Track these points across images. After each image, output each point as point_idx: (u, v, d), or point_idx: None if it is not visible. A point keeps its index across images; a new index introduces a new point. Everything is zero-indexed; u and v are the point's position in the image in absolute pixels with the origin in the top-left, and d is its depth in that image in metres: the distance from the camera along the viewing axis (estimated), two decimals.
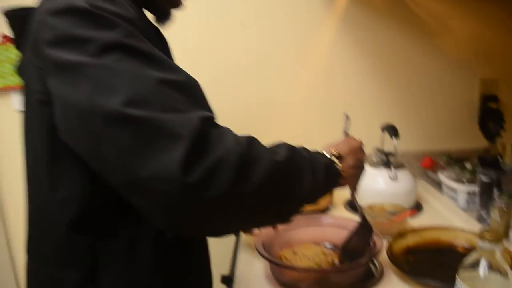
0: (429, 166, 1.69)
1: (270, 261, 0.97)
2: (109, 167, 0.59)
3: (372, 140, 1.67)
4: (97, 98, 0.57)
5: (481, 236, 0.73)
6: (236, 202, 0.61)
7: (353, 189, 0.91)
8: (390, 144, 1.46)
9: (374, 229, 1.01)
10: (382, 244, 0.98)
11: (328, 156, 0.80)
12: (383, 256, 0.99)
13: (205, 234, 0.76)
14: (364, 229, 1.01)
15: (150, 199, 0.58)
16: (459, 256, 1.08)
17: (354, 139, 0.91)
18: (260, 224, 0.76)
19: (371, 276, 1.00)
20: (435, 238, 1.14)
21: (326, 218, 1.18)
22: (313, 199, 0.76)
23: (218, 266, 1.17)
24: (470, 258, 0.76)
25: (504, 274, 0.72)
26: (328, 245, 1.12)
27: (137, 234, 0.74)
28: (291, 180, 0.68)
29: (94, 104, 0.57)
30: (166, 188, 0.55)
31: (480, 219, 1.33)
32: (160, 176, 0.55)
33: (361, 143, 0.90)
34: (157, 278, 0.77)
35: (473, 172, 1.45)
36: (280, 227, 1.08)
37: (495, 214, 1.21)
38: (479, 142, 1.75)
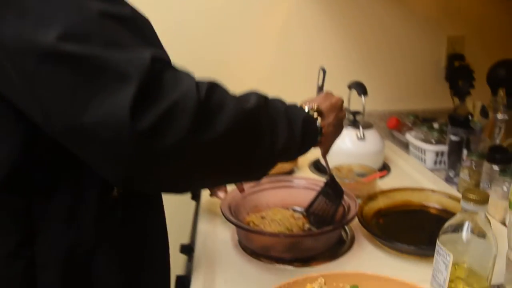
0: (395, 126, 1.64)
1: (239, 227, 0.89)
2: (47, 114, 0.52)
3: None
4: (28, 31, 0.49)
5: (465, 197, 0.67)
6: (194, 153, 0.54)
7: (326, 149, 0.84)
8: (356, 103, 1.39)
9: (345, 192, 0.95)
10: (357, 207, 0.92)
11: (308, 110, 0.73)
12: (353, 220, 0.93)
13: (160, 189, 0.67)
14: (333, 191, 0.94)
15: (95, 148, 0.51)
16: (431, 217, 1.04)
17: (334, 95, 0.83)
18: (224, 180, 0.69)
19: (341, 242, 0.95)
20: (406, 200, 1.09)
21: (295, 180, 1.10)
22: (287, 157, 0.70)
23: (177, 234, 1.09)
24: (451, 221, 0.71)
25: (487, 237, 0.67)
26: (298, 208, 1.05)
27: (78, 194, 0.65)
28: (261, 132, 0.61)
29: (25, 39, 0.49)
30: (112, 136, 0.49)
31: (448, 180, 1.30)
32: (106, 121, 0.48)
33: (341, 100, 0.83)
34: (101, 244, 0.68)
35: (441, 132, 1.41)
36: (247, 190, 1.00)
37: (464, 174, 1.18)
38: (446, 102, 1.72)
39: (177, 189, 0.65)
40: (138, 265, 0.75)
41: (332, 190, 0.95)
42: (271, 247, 0.89)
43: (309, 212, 0.96)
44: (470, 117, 1.21)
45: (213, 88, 0.56)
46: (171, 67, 0.55)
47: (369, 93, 1.35)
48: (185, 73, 0.56)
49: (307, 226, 0.95)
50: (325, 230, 0.86)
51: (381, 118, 1.72)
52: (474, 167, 1.16)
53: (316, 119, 0.74)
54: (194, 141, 0.53)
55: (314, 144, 0.75)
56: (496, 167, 1.08)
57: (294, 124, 0.67)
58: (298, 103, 0.76)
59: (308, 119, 0.72)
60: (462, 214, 0.69)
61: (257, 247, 0.90)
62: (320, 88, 0.90)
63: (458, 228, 0.69)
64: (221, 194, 0.97)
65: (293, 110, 0.70)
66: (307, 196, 0.99)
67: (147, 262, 0.78)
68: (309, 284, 0.67)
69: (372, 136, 1.34)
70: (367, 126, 1.35)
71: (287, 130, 0.65)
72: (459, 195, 1.13)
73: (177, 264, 1.04)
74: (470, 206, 0.67)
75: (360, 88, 1.33)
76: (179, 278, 0.90)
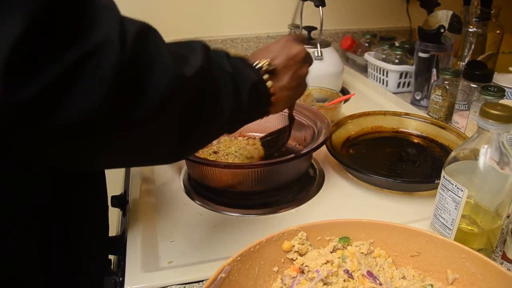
0: (349, 47, 1.47)
1: (201, 163, 0.69)
2: None
3: (286, 15, 1.42)
4: None
5: (486, 113, 0.51)
6: (107, 134, 0.36)
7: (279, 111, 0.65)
8: (308, 19, 1.20)
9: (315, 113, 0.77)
10: (330, 128, 0.75)
11: (257, 69, 0.55)
12: (320, 151, 0.76)
13: (62, 166, 0.44)
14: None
15: None
16: (408, 144, 0.90)
17: (294, 43, 0.61)
18: (149, 162, 0.50)
19: (310, 179, 0.78)
20: (377, 125, 0.94)
21: None
22: (228, 131, 0.54)
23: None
24: (463, 146, 0.55)
25: (510, 165, 0.52)
26: (251, 134, 0.87)
27: None
28: (202, 106, 0.44)
29: None
30: None
31: (415, 102, 1.16)
32: None
33: (303, 51, 0.61)
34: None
35: (404, 50, 1.26)
36: None
37: (436, 95, 1.04)
38: (402, 20, 1.57)
39: (85, 169, 0.50)
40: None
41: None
42: (237, 183, 0.70)
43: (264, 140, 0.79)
44: (442, 30, 1.06)
45: (144, 36, 0.37)
46: None
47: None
48: (105, 4, 0.35)
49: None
50: (293, 156, 0.68)
51: (333, 38, 1.54)
52: (447, 87, 1.02)
53: (265, 82, 0.55)
54: (109, 118, 0.34)
55: (262, 114, 0.58)
56: (474, 85, 0.94)
57: (242, 90, 0.50)
58: (247, 57, 0.57)
59: (257, 84, 0.53)
60: (479, 136, 0.53)
61: (220, 185, 0.72)
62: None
63: (472, 155, 0.53)
64: None
65: (241, 71, 0.51)
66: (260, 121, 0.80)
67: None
68: (286, 241, 0.50)
69: (330, 55, 1.16)
70: (325, 44, 1.17)
71: (233, 100, 0.48)
72: (437, 119, 1.01)
73: (110, 221, 0.84)
74: (491, 124, 0.51)
75: None
76: (111, 241, 0.69)
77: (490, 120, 0.51)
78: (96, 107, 0.32)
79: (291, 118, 0.73)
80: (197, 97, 0.43)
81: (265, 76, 0.55)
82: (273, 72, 0.56)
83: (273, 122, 0.86)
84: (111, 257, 0.76)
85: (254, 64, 0.55)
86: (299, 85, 0.61)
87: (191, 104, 0.42)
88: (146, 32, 0.38)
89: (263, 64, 0.55)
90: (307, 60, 0.62)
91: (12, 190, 0.47)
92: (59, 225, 0.54)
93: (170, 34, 1.48)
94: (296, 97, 0.63)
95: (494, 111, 0.50)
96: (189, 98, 0.42)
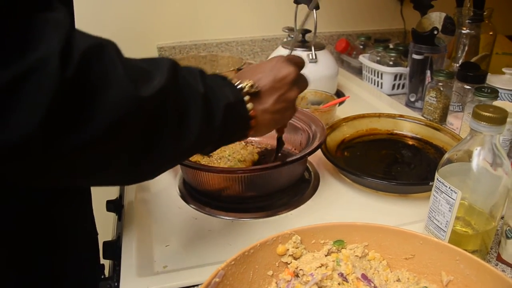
0: (344, 49, 1.47)
1: (194, 168, 0.68)
2: None
3: (280, 18, 1.42)
4: None
5: (478, 115, 0.51)
6: (60, 156, 0.34)
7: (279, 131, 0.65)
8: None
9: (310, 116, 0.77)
10: (325, 131, 0.75)
11: (238, 89, 0.52)
12: (315, 154, 0.75)
13: (21, 184, 0.43)
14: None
15: None
16: (403, 146, 0.90)
17: (286, 63, 0.57)
18: (109, 182, 0.45)
19: (305, 181, 0.78)
20: (371, 127, 0.94)
21: None
22: (200, 151, 0.51)
23: (101, 190, 0.87)
24: (456, 148, 0.55)
25: (503, 167, 0.52)
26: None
27: None
28: (162, 127, 0.41)
29: None
30: None
31: (409, 104, 1.17)
32: None
33: (294, 72, 0.57)
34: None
35: (398, 52, 1.26)
36: None
37: (430, 97, 1.05)
38: (397, 23, 1.58)
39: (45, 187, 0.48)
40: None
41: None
42: (227, 187, 0.70)
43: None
44: (436, 31, 1.06)
45: (95, 54, 0.34)
46: (26, 3, 0.31)
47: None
48: (49, 20, 0.32)
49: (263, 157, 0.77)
50: (288, 161, 0.68)
51: (328, 41, 1.54)
52: (441, 89, 1.02)
53: (245, 103, 0.52)
54: (46, 144, 0.32)
55: (240, 137, 0.55)
56: (468, 87, 0.95)
57: (214, 111, 0.47)
58: (230, 77, 0.54)
59: (234, 105, 0.50)
60: (472, 138, 0.53)
61: (211, 189, 0.72)
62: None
63: (465, 156, 0.54)
64: None
65: (216, 90, 0.48)
66: None
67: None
68: (281, 245, 0.50)
69: (325, 57, 1.16)
70: (319, 47, 1.17)
71: (203, 121, 0.45)
72: (431, 121, 1.01)
73: (104, 226, 0.84)
74: (484, 126, 0.51)
75: (310, 2, 1.12)
76: (106, 245, 0.69)
77: (482, 122, 0.51)
78: (36, 127, 0.30)
79: (279, 141, 0.71)
80: (157, 119, 0.40)
81: (246, 98, 0.52)
82: (256, 94, 0.53)
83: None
84: (106, 261, 0.76)
85: (236, 84, 0.52)
86: (285, 109, 0.57)
87: (149, 126, 0.40)
88: (99, 49, 0.35)
89: (246, 85, 0.52)
90: (298, 82, 0.59)
91: None
92: (42, 230, 0.54)
93: (164, 37, 1.48)
94: (282, 121, 0.59)
95: (486, 113, 0.50)
96: (146, 120, 0.39)
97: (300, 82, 0.60)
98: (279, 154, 0.73)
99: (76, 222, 0.62)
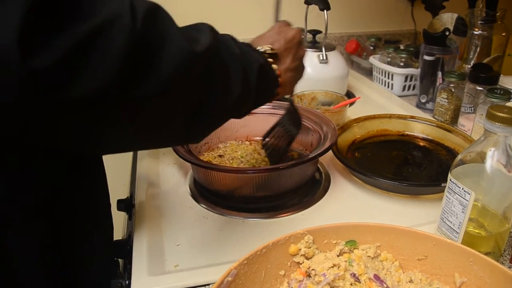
0: (354, 50, 1.47)
1: (206, 167, 0.69)
2: None
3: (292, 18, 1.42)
4: None
5: (492, 115, 0.51)
6: (119, 108, 0.36)
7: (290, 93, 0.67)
8: (313, 23, 1.20)
9: (321, 117, 0.77)
10: (336, 133, 0.75)
11: (261, 53, 0.56)
12: (326, 155, 0.75)
13: (71, 148, 0.45)
14: (292, 120, 0.76)
15: None
16: (414, 147, 0.89)
17: (288, 27, 0.64)
18: (158, 143, 0.50)
19: (315, 182, 0.78)
20: (382, 128, 0.94)
21: None
22: (238, 113, 0.54)
23: (113, 189, 0.88)
24: (469, 149, 0.55)
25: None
26: (258, 139, 0.87)
27: None
28: (212, 84, 0.45)
29: None
30: None
31: (420, 106, 1.16)
32: None
33: (299, 33, 0.63)
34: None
35: (409, 53, 1.25)
36: None
37: (441, 98, 1.04)
38: (407, 24, 1.57)
39: (96, 151, 0.51)
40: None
41: (291, 118, 0.77)
42: (239, 187, 0.70)
43: (266, 145, 0.77)
44: (447, 32, 1.05)
45: (154, 13, 0.38)
46: None
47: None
48: None
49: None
50: (300, 161, 0.68)
51: (338, 42, 1.54)
52: (452, 90, 1.02)
53: (271, 65, 0.57)
54: (121, 91, 0.35)
55: (271, 96, 0.59)
56: (480, 88, 0.94)
57: (250, 72, 0.51)
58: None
59: (264, 66, 0.54)
60: (486, 139, 0.53)
61: (222, 189, 0.72)
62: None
63: (479, 157, 0.53)
64: None
65: (249, 54, 0.52)
66: (266, 124, 0.79)
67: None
68: (293, 245, 0.50)
69: (335, 58, 1.16)
70: (330, 47, 1.16)
71: (242, 81, 0.49)
72: (442, 122, 1.01)
73: (115, 225, 0.84)
74: (498, 127, 0.51)
75: (321, 2, 1.12)
76: (117, 244, 0.69)
77: (497, 123, 0.51)
78: (109, 79, 0.33)
79: (291, 104, 0.74)
80: (207, 75, 0.43)
81: (270, 60, 0.57)
82: (275, 56, 0.58)
83: None
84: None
85: (258, 49, 0.56)
86: (300, 66, 0.64)
87: (202, 82, 0.43)
88: (156, 10, 0.39)
89: (266, 49, 0.57)
90: (302, 41, 0.64)
91: (11, 188, 0.48)
92: (59, 225, 0.54)
93: None
94: (298, 78, 0.65)
95: (501, 114, 0.50)
96: (200, 75, 0.42)
97: (303, 41, 0.65)
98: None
99: (93, 216, 0.62)
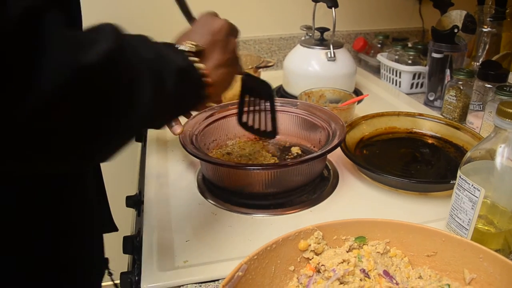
0: (362, 48, 1.47)
1: (215, 164, 0.69)
2: None
3: (298, 16, 1.42)
4: None
5: (502, 112, 0.51)
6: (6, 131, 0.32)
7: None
8: (321, 20, 1.20)
9: (329, 114, 0.77)
10: (345, 129, 0.75)
11: (184, 52, 0.51)
12: (334, 152, 0.75)
13: None
14: (258, 88, 0.72)
15: None
16: (423, 145, 0.89)
17: (214, 17, 0.58)
18: (53, 165, 0.41)
19: (324, 179, 0.78)
20: (390, 126, 0.94)
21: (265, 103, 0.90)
22: (153, 124, 0.49)
23: (123, 186, 0.89)
24: (479, 146, 0.55)
25: None
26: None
27: None
28: (112, 96, 0.38)
29: None
30: None
31: (428, 103, 1.16)
32: None
33: (226, 22, 0.58)
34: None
35: (417, 51, 1.25)
36: (199, 123, 0.79)
37: (449, 96, 1.04)
38: (415, 21, 1.57)
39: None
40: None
41: (255, 87, 0.72)
42: (248, 184, 0.70)
43: (244, 123, 0.74)
44: (456, 30, 1.05)
45: (34, 15, 0.32)
46: None
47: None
48: None
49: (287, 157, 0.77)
50: (308, 158, 0.68)
51: (346, 40, 1.54)
52: (461, 87, 1.01)
53: (194, 64, 0.51)
54: None
55: (199, 100, 0.54)
56: (489, 85, 0.94)
57: (167, 77, 0.44)
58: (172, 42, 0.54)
59: (185, 68, 0.49)
60: (496, 136, 0.53)
61: (233, 186, 0.72)
62: (186, 13, 0.62)
63: (488, 154, 0.53)
64: (177, 128, 0.61)
65: (165, 56, 0.46)
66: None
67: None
68: (303, 240, 0.50)
69: (343, 56, 1.16)
70: (337, 45, 1.16)
71: (155, 89, 0.42)
72: (451, 120, 1.00)
73: (124, 221, 0.85)
74: (508, 123, 0.50)
75: (329, 0, 1.12)
76: (126, 240, 0.70)
77: (507, 119, 0.50)
78: None
79: (246, 77, 0.69)
80: (104, 88, 0.37)
81: (194, 59, 0.51)
82: (201, 53, 0.53)
83: (286, 122, 0.87)
84: (126, 256, 0.77)
85: (180, 48, 0.51)
86: (233, 59, 0.58)
87: (96, 97, 0.36)
88: (39, 10, 0.32)
89: (189, 46, 0.52)
90: (233, 31, 0.59)
91: None
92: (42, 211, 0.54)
93: None
94: (234, 72, 0.60)
95: (511, 110, 0.50)
96: (93, 90, 0.35)
97: (233, 31, 0.60)
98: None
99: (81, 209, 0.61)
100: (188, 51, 0.51)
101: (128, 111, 0.40)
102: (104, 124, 0.38)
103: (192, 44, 0.52)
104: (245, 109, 0.72)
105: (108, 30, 0.39)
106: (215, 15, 0.59)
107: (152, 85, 0.41)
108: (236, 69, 0.60)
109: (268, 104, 0.71)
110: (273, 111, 0.71)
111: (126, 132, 0.42)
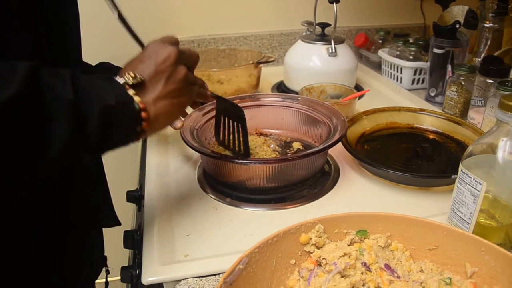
0: (363, 44, 1.46)
1: (216, 158, 0.69)
2: None
3: (299, 12, 1.42)
4: None
5: (504, 105, 0.50)
6: None
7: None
8: (322, 16, 1.19)
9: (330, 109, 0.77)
10: (346, 124, 0.75)
11: (121, 85, 0.49)
12: (335, 147, 0.75)
13: None
14: (229, 109, 0.75)
15: None
16: (424, 140, 0.89)
17: (162, 45, 0.54)
18: None
19: (325, 174, 0.78)
20: (391, 121, 0.93)
21: (266, 98, 0.89)
22: (79, 160, 0.47)
23: (123, 181, 0.88)
24: (481, 140, 0.55)
25: None
26: (267, 131, 0.88)
27: None
28: (13, 143, 0.37)
29: None
30: None
31: (429, 99, 1.16)
32: None
33: (175, 49, 0.54)
34: None
35: (418, 47, 1.25)
36: (199, 119, 0.79)
37: (451, 91, 1.03)
38: (416, 18, 1.56)
39: None
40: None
41: (228, 107, 0.75)
42: (251, 178, 0.70)
43: (221, 141, 0.78)
44: (458, 25, 1.05)
45: None
46: None
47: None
48: None
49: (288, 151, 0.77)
50: (310, 152, 0.68)
51: (347, 35, 1.53)
52: (462, 83, 1.01)
53: (132, 98, 0.49)
54: None
55: (132, 135, 0.50)
56: (491, 81, 0.93)
57: (89, 116, 0.42)
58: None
59: (114, 106, 0.45)
60: (498, 130, 0.52)
61: (235, 180, 0.72)
62: (136, 39, 0.58)
63: (490, 148, 0.53)
64: (178, 123, 0.59)
65: (90, 93, 0.43)
66: (275, 116, 0.79)
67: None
68: (304, 234, 0.50)
69: (344, 51, 1.15)
70: (339, 40, 1.16)
71: (71, 129, 0.40)
72: (452, 115, 1.00)
73: (125, 216, 0.85)
74: (510, 117, 0.50)
75: None
76: (127, 235, 0.70)
77: (509, 113, 0.50)
78: None
79: (218, 99, 0.73)
80: (10, 130, 0.36)
81: (131, 92, 0.49)
82: (141, 85, 0.51)
83: (288, 117, 0.87)
84: (127, 251, 0.77)
85: (117, 81, 0.49)
86: (179, 90, 0.55)
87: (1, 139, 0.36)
88: None
89: (127, 78, 0.49)
90: (182, 60, 0.56)
91: None
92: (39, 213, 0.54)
93: (183, 32, 1.49)
94: (182, 102, 0.56)
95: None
96: None
97: (185, 58, 0.57)
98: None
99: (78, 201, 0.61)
100: (127, 84, 0.49)
101: (38, 150, 0.39)
102: (12, 161, 0.37)
103: (131, 76, 0.49)
104: (221, 128, 0.76)
105: (21, 71, 0.37)
106: (167, 41, 0.56)
107: (67, 124, 0.40)
108: (186, 98, 0.57)
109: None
110: (244, 134, 0.73)
111: (42, 169, 0.41)
